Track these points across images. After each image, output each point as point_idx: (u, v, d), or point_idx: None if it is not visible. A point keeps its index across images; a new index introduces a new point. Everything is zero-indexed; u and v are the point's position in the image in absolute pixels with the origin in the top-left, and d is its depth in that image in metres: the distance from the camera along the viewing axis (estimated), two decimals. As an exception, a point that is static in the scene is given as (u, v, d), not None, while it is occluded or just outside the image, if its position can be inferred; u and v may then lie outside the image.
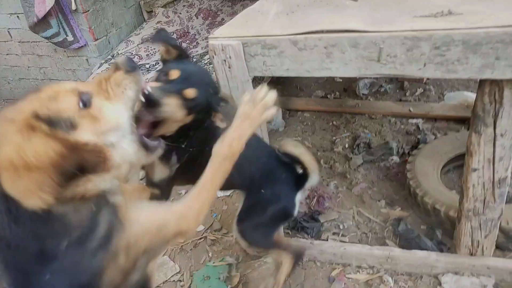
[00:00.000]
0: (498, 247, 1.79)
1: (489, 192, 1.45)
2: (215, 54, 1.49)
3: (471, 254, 1.64)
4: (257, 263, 1.97)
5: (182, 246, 2.21)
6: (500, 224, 1.70)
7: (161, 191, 1.28)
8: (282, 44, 1.40)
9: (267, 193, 1.52)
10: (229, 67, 1.51)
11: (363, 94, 3.43)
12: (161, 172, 1.25)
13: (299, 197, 1.61)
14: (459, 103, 2.84)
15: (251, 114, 1.07)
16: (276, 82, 3.83)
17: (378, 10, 1.44)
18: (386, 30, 1.25)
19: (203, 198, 1.01)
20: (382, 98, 3.32)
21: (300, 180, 1.59)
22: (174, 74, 1.16)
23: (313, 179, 1.58)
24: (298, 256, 1.70)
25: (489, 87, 1.24)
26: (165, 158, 1.21)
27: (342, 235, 2.07)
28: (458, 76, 1.22)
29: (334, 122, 3.13)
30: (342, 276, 1.84)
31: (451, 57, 1.20)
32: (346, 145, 2.81)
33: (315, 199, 2.30)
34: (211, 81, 1.32)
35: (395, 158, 2.51)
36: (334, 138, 2.93)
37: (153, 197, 1.24)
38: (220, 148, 1.04)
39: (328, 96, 3.55)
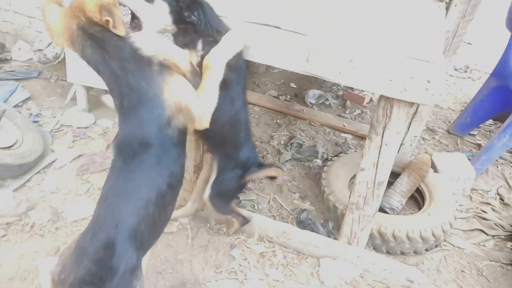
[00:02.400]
0: (374, 248, 2.12)
1: (370, 191, 1.75)
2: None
3: (349, 243, 1.94)
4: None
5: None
6: (380, 228, 2.04)
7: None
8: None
9: (241, 162, 1.78)
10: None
11: (310, 102, 3.74)
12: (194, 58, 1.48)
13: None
14: (386, 129, 3.21)
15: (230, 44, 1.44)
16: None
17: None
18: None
19: (204, 97, 1.36)
20: (325, 109, 3.65)
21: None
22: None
23: None
24: (245, 222, 2.02)
25: (384, 102, 1.54)
26: (192, 45, 1.48)
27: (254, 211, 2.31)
28: (364, 88, 1.50)
29: (278, 121, 3.40)
30: (242, 244, 2.08)
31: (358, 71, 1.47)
32: (282, 142, 3.09)
33: None
34: None
35: (318, 161, 2.82)
36: (273, 133, 3.20)
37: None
38: (209, 60, 1.39)
39: (280, 97, 3.83)
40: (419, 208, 2.37)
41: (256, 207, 2.40)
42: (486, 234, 2.30)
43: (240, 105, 1.67)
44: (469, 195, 2.60)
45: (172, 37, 1.57)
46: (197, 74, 1.37)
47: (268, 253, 2.05)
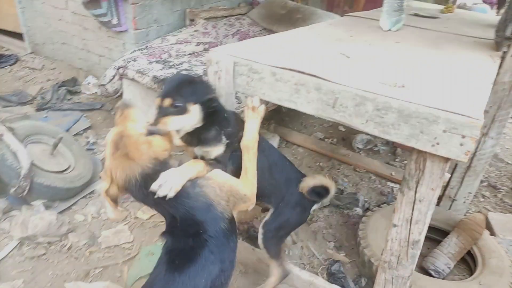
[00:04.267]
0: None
1: (403, 250, 1.60)
2: (210, 64, 1.75)
3: (380, 306, 1.76)
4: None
5: (143, 222, 2.42)
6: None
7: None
8: (264, 72, 1.64)
9: (292, 203, 1.84)
10: (219, 78, 1.76)
11: (357, 147, 3.62)
12: (217, 150, 1.61)
13: (314, 207, 1.95)
14: (438, 180, 2.97)
15: (254, 115, 1.61)
16: (284, 115, 4.09)
17: (355, 69, 1.66)
18: (343, 84, 1.47)
19: (250, 177, 1.50)
20: (372, 156, 3.49)
21: (319, 194, 1.88)
22: (156, 101, 1.46)
23: (332, 193, 1.90)
24: (285, 275, 1.91)
25: (417, 155, 1.43)
26: (216, 139, 1.60)
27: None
28: (390, 138, 1.41)
29: (321, 164, 3.32)
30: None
31: (387, 120, 1.40)
32: (322, 186, 2.98)
33: None
34: (182, 81, 1.57)
35: (358, 210, 2.67)
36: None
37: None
38: (245, 141, 1.54)
39: (326, 139, 3.76)
40: (471, 274, 2.11)
41: (286, 252, 2.31)
42: (551, 313, 1.96)
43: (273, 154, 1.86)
44: (533, 265, 2.26)
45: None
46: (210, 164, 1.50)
47: (292, 305, 1.93)
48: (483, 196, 2.98)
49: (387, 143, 3.69)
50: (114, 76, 3.34)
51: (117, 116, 1.40)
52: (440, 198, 2.61)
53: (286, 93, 1.62)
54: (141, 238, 2.30)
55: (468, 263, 2.19)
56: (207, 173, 1.42)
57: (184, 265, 1.28)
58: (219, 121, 1.60)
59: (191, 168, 1.40)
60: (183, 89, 1.49)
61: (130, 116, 1.39)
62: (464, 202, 2.48)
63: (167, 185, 1.29)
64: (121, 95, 3.39)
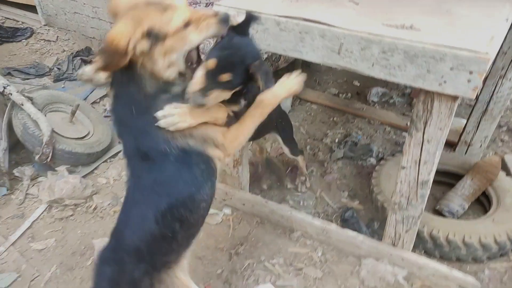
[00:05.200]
0: (426, 252, 1.97)
1: (413, 191, 1.63)
2: (215, 18, 1.75)
3: (393, 245, 1.83)
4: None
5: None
6: (432, 231, 1.89)
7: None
8: (267, 22, 1.63)
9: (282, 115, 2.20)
10: (224, 32, 1.76)
11: (372, 101, 3.57)
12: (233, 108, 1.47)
13: None
14: (454, 128, 2.93)
15: (288, 84, 1.42)
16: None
17: (362, 15, 1.63)
18: (348, 28, 1.45)
19: (241, 129, 1.37)
20: (388, 108, 3.45)
21: None
22: (211, 64, 1.24)
23: None
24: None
25: (424, 96, 1.42)
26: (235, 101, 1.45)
27: (298, 207, 2.30)
28: (397, 80, 1.41)
29: (335, 119, 3.32)
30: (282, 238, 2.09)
31: (393, 62, 1.39)
32: (336, 140, 3.00)
33: (289, 168, 2.62)
34: (247, 57, 1.31)
35: (372, 160, 2.69)
36: (328, 131, 3.13)
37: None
38: (261, 97, 1.37)
39: (340, 95, 3.72)
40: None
41: (301, 203, 2.39)
42: None
43: None
44: (550, 204, 2.26)
45: None
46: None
47: (307, 249, 2.02)
48: (502, 140, 2.93)
49: (403, 94, 3.63)
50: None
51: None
52: (455, 144, 2.59)
53: (291, 42, 1.61)
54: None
55: (483, 204, 2.21)
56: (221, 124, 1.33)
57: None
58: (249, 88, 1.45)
59: (207, 116, 1.28)
60: (245, 68, 1.28)
61: None
62: (480, 146, 2.46)
63: (171, 120, 1.19)
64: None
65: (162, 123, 1.18)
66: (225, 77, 1.25)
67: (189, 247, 1.36)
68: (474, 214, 2.20)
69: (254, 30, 1.69)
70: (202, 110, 1.26)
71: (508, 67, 2.14)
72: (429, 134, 1.48)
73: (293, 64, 4.00)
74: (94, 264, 1.31)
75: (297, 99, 3.60)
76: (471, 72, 1.25)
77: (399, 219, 1.74)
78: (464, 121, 2.58)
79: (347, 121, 3.27)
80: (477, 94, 2.29)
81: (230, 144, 1.35)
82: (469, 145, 2.48)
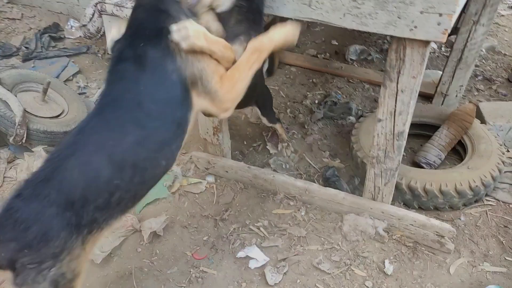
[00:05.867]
0: (405, 204, 2.02)
1: (389, 143, 1.65)
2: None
3: (373, 199, 1.86)
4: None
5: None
6: (409, 183, 1.92)
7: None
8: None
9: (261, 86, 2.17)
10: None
11: (351, 59, 3.55)
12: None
13: None
14: (432, 80, 2.95)
15: (284, 31, 1.35)
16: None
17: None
18: (317, -22, 1.40)
19: (238, 76, 1.26)
20: (366, 66, 3.44)
21: None
22: None
23: None
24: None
25: (396, 45, 1.40)
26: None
27: (281, 170, 2.31)
28: (368, 29, 1.38)
29: (314, 80, 3.29)
30: (265, 201, 2.11)
31: (364, 10, 1.35)
32: (316, 101, 2.99)
33: (270, 133, 2.60)
34: None
35: (352, 118, 2.70)
36: (308, 93, 3.10)
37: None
38: (255, 42, 1.29)
39: (319, 55, 3.68)
40: (463, 163, 2.18)
41: (284, 166, 2.39)
42: (539, 189, 2.06)
43: None
44: (525, 148, 2.32)
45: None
46: None
47: (291, 210, 2.05)
48: (477, 89, 2.97)
49: (381, 50, 3.61)
50: (93, 14, 3.21)
51: None
52: (432, 96, 2.61)
53: (261, -2, 1.55)
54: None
55: (460, 153, 2.25)
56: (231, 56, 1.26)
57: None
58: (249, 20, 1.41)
59: (218, 46, 1.23)
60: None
61: None
62: (456, 96, 2.48)
63: (185, 33, 1.14)
64: (104, 34, 3.30)
65: (176, 35, 1.12)
66: None
67: (125, 212, 1.16)
68: (452, 163, 2.25)
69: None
70: (216, 38, 1.22)
71: (481, 12, 2.13)
72: (402, 83, 1.47)
73: (269, 26, 3.92)
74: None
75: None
76: (440, 14, 1.23)
77: (378, 172, 1.76)
78: (440, 72, 2.60)
79: (326, 82, 3.25)
80: (452, 43, 2.31)
81: (226, 94, 1.22)
82: (445, 96, 2.50)
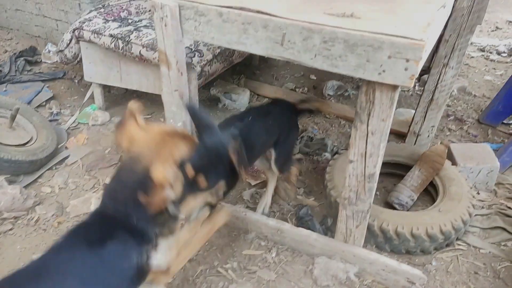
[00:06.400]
0: (377, 247, 1.97)
1: (361, 185, 1.62)
2: (155, 11, 1.65)
3: (345, 241, 1.81)
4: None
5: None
6: (381, 225, 1.89)
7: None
8: (210, 13, 1.56)
9: (287, 131, 2.00)
10: (165, 25, 1.67)
11: (328, 94, 3.60)
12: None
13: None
14: (405, 119, 3.00)
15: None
16: (255, 68, 4.01)
17: (306, 3, 1.58)
18: (289, 18, 1.41)
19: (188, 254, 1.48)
20: (343, 101, 3.48)
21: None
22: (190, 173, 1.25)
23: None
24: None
25: (366, 87, 1.41)
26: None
27: (253, 207, 2.25)
28: (339, 71, 1.38)
29: (291, 114, 3.29)
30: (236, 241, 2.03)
31: (335, 52, 1.36)
32: (293, 135, 2.98)
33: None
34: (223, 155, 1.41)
35: (327, 155, 2.69)
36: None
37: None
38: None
39: (297, 89, 3.72)
40: (434, 204, 2.17)
41: (257, 200, 2.33)
42: (509, 232, 2.05)
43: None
44: (494, 190, 2.34)
45: None
46: None
47: (262, 251, 1.97)
48: (449, 129, 3.03)
49: (357, 87, 3.67)
50: (70, 40, 3.17)
51: None
52: (405, 135, 2.64)
53: (235, 34, 1.55)
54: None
55: (431, 194, 2.25)
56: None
57: None
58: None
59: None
60: (221, 162, 1.41)
61: None
62: (428, 136, 2.51)
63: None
64: (80, 60, 3.25)
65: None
66: (202, 181, 1.29)
67: None
68: (424, 204, 2.25)
69: (197, 23, 1.62)
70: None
71: (450, 55, 2.19)
72: (373, 126, 1.46)
73: (250, 59, 3.96)
74: None
75: (254, 95, 3.56)
76: (407, 60, 1.24)
77: (350, 214, 1.73)
78: (413, 111, 2.64)
79: (303, 116, 3.26)
80: (425, 83, 2.35)
81: (173, 270, 1.38)
82: (417, 136, 2.53)
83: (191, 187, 1.27)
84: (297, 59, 1.46)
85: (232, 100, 3.37)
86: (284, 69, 4.20)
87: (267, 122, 1.89)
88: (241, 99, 3.39)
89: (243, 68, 3.91)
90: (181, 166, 1.20)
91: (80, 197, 2.30)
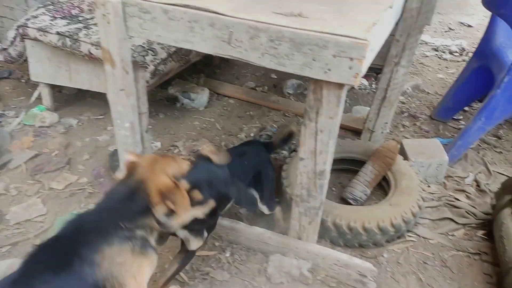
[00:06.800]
0: (332, 242, 2.00)
1: (312, 182, 1.63)
2: (97, 7, 1.58)
3: (299, 238, 1.83)
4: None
5: (58, 193, 2.27)
6: (335, 220, 1.92)
7: None
8: (155, 11, 1.51)
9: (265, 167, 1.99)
10: (108, 23, 1.60)
11: (288, 93, 3.62)
12: (197, 243, 1.57)
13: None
14: (362, 116, 3.07)
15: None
16: (216, 67, 3.96)
17: (255, 2, 1.57)
18: (236, 16, 1.39)
19: None
20: (303, 100, 3.51)
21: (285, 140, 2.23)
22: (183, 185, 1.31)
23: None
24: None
25: (314, 86, 1.41)
26: (199, 233, 1.54)
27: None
28: (286, 70, 1.38)
29: (251, 112, 3.29)
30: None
31: (281, 51, 1.35)
32: (252, 134, 2.97)
33: None
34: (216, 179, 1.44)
35: (285, 153, 2.70)
36: (244, 126, 3.08)
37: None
38: None
39: (257, 88, 3.71)
40: (388, 199, 2.23)
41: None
42: (456, 223, 2.15)
43: None
44: (443, 183, 2.45)
45: None
46: None
47: (216, 251, 1.95)
48: (403, 126, 3.13)
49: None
50: (15, 38, 2.99)
51: None
52: (360, 132, 2.70)
53: (181, 32, 1.51)
54: (55, 209, 2.16)
55: (385, 188, 2.31)
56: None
57: None
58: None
59: None
60: (214, 182, 1.41)
61: None
62: (382, 132, 2.58)
63: None
64: (26, 59, 3.07)
65: None
66: (194, 193, 1.32)
67: None
68: (378, 198, 2.30)
69: (141, 20, 1.56)
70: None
71: (401, 55, 2.26)
72: (321, 123, 1.47)
73: (210, 58, 3.91)
74: None
75: (214, 94, 3.52)
76: (351, 59, 1.25)
77: (302, 211, 1.74)
78: (368, 109, 2.70)
79: (263, 115, 3.27)
80: (377, 82, 2.42)
81: None
82: (372, 132, 2.59)
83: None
84: (245, 57, 1.44)
85: (190, 100, 3.31)
86: (245, 68, 4.19)
87: (242, 162, 1.88)
88: (200, 98, 3.34)
89: (203, 67, 3.86)
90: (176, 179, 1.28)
91: (22, 203, 2.17)
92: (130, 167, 1.34)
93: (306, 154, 1.57)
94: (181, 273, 1.82)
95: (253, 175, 1.91)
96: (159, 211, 1.26)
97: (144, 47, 2.55)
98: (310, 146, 1.54)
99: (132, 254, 1.22)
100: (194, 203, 1.32)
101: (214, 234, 1.99)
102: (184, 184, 1.30)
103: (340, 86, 1.36)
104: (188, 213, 1.32)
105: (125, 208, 1.27)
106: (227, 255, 1.91)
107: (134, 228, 1.25)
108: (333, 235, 1.96)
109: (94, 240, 1.18)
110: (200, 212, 1.38)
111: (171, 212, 1.26)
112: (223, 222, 1.96)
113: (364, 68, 1.30)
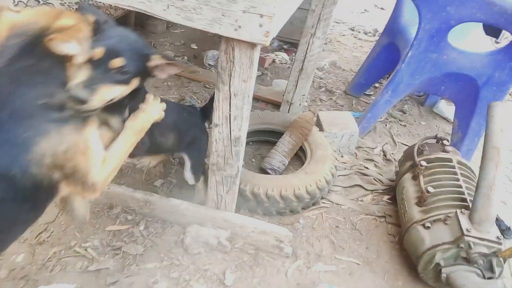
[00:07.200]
0: (250, 211, 2.00)
1: (228, 149, 1.58)
2: None
3: (216, 207, 1.78)
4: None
5: None
6: (253, 189, 1.91)
7: None
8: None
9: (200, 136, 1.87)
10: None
11: (209, 64, 3.51)
12: (118, 123, 1.31)
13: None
14: (282, 89, 3.09)
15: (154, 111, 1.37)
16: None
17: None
18: (138, -37, 1.24)
19: (112, 162, 1.19)
20: (224, 72, 3.43)
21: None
22: (98, 52, 1.09)
23: None
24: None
25: (225, 45, 1.34)
26: (119, 112, 1.30)
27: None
28: (194, 25, 1.28)
29: (169, 83, 3.13)
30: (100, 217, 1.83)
31: (189, 4, 1.25)
32: (170, 106, 2.82)
33: None
34: (139, 45, 1.26)
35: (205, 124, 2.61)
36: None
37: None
38: (133, 124, 1.28)
39: (177, 59, 3.52)
40: (305, 168, 2.28)
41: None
42: (365, 189, 2.28)
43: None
44: (355, 153, 2.58)
45: None
46: None
47: (128, 225, 1.82)
48: (321, 100, 3.23)
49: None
50: None
51: None
52: (279, 104, 2.72)
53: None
54: None
55: (302, 159, 2.37)
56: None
57: None
58: (135, 97, 1.31)
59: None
60: (139, 51, 1.22)
61: None
62: (300, 104, 2.62)
63: None
64: None
65: None
66: (117, 62, 1.12)
67: None
68: (295, 168, 2.35)
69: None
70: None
71: (317, 26, 2.28)
72: (235, 87, 1.41)
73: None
74: None
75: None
76: (261, 15, 1.20)
77: (219, 180, 1.69)
78: (286, 81, 2.72)
79: (182, 85, 3.13)
80: (294, 54, 2.43)
81: (104, 182, 1.16)
82: (290, 104, 2.62)
83: (103, 73, 1.11)
84: (148, 9, 1.31)
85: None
86: (163, 37, 3.97)
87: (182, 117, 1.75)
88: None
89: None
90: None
91: None
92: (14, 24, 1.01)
93: (220, 119, 1.51)
94: (89, 249, 1.67)
95: (188, 141, 1.78)
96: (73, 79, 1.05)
97: (39, 1, 2.25)
98: (224, 111, 1.48)
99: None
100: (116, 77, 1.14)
101: (126, 208, 1.86)
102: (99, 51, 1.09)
103: (252, 46, 1.31)
104: (111, 91, 1.14)
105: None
106: (141, 228, 1.80)
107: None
108: (251, 205, 1.95)
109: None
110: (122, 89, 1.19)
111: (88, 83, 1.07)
112: (136, 195, 1.84)
113: (275, 27, 1.25)
